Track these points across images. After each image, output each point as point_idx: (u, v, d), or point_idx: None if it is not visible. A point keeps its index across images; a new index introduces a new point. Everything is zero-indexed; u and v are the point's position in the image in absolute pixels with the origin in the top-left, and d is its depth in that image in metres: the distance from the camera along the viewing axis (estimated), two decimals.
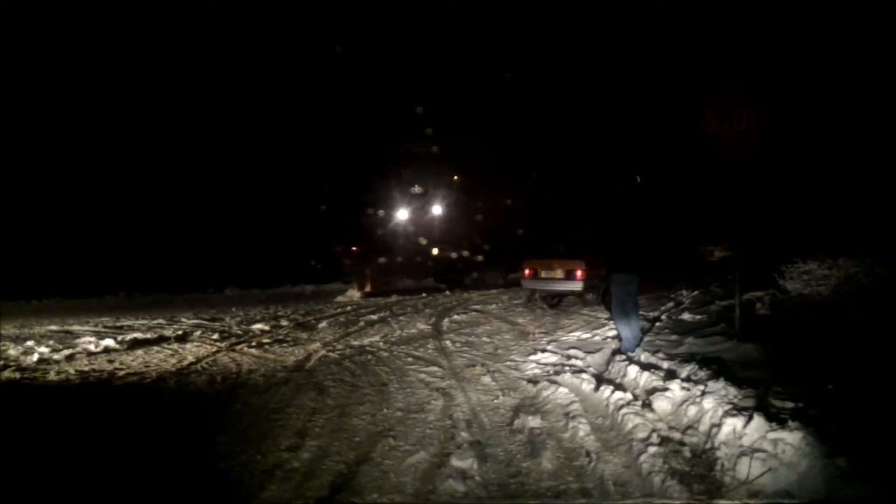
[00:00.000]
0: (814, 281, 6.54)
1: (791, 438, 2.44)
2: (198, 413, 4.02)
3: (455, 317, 8.43)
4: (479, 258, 15.10)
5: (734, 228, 5.36)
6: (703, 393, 3.26)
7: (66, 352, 6.23)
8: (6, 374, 5.29)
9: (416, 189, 15.98)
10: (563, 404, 3.70)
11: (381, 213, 15.83)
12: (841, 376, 3.40)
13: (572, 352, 5.30)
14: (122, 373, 5.27)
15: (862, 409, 2.85)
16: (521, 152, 18.52)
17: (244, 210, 19.70)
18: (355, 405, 3.95)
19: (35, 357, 5.92)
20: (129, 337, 7.12)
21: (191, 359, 5.80)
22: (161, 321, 9.15)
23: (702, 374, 3.71)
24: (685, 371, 3.90)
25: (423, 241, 15.11)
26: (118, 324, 9.03)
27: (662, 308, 7.87)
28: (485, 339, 6.50)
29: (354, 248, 13.99)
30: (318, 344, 6.52)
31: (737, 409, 2.88)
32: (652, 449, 2.78)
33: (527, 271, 8.85)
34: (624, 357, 4.66)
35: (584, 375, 4.30)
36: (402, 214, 15.98)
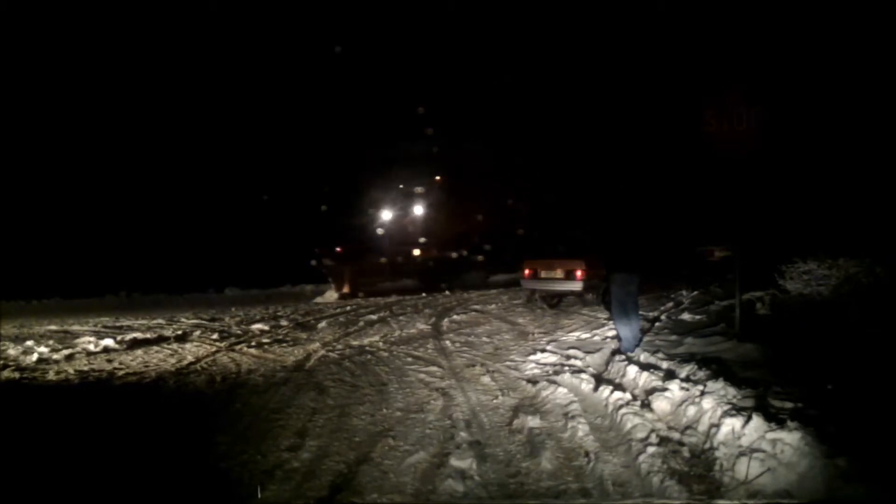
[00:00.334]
0: (814, 281, 6.53)
1: (790, 438, 2.44)
2: (197, 413, 4.02)
3: (455, 317, 8.43)
4: (458, 258, 14.84)
5: (734, 228, 5.36)
6: (703, 393, 3.26)
7: (66, 352, 6.23)
8: (6, 373, 5.29)
9: (400, 190, 15.74)
10: (562, 404, 3.70)
11: (363, 213, 15.64)
12: (841, 376, 3.40)
13: (572, 352, 5.30)
14: (121, 373, 5.27)
15: (862, 409, 2.85)
16: (518, 152, 18.46)
17: (243, 210, 19.71)
18: (355, 405, 3.95)
19: (34, 357, 5.92)
20: (128, 337, 7.12)
21: (190, 359, 5.80)
22: (161, 321, 9.16)
23: (701, 374, 3.71)
24: (684, 371, 3.90)
25: (405, 243, 14.87)
26: (118, 324, 9.04)
27: (662, 308, 7.87)
28: (484, 339, 6.49)
29: (338, 249, 13.78)
30: (317, 344, 6.52)
31: (736, 410, 2.88)
32: (651, 449, 2.78)
33: (527, 271, 8.84)
34: (623, 357, 4.65)
35: (583, 375, 4.30)
36: (384, 215, 15.73)
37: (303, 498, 2.55)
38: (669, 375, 3.88)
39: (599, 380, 4.17)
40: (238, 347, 6.41)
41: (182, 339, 7.11)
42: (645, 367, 4.20)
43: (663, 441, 2.89)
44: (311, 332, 7.47)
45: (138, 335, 7.27)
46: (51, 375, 5.20)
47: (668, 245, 9.79)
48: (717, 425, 2.82)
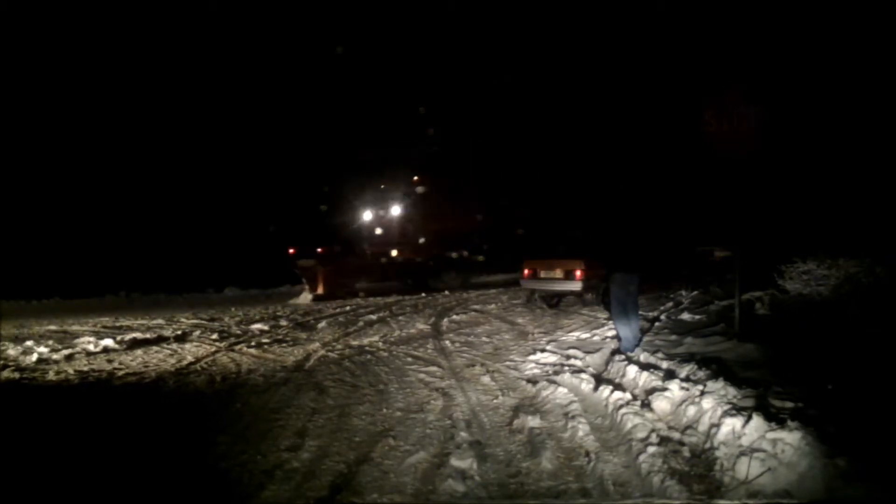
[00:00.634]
0: (813, 281, 6.53)
1: (790, 438, 2.44)
2: (197, 413, 4.02)
3: (454, 317, 8.43)
4: (434, 261, 14.67)
5: (734, 228, 5.36)
6: (703, 393, 3.27)
7: (66, 352, 6.22)
8: (5, 373, 5.29)
9: (383, 190, 15.50)
10: (562, 404, 3.70)
11: (346, 213, 15.43)
12: (840, 376, 3.40)
13: (571, 352, 5.30)
14: (121, 373, 5.27)
15: (862, 409, 2.85)
16: (518, 152, 18.43)
17: (243, 210, 19.72)
18: (355, 405, 3.95)
19: (34, 357, 5.91)
20: (128, 337, 7.11)
21: (190, 359, 5.79)
22: (160, 321, 9.15)
23: (701, 373, 3.71)
24: (684, 371, 3.90)
25: (384, 244, 14.66)
26: (117, 324, 9.03)
27: (662, 308, 7.87)
28: (484, 338, 6.49)
29: (319, 249, 13.56)
30: (317, 344, 6.51)
31: (736, 409, 2.88)
32: (651, 449, 2.78)
33: (526, 271, 8.84)
34: (623, 357, 4.66)
35: (583, 375, 4.30)
36: (362, 216, 15.50)
37: (303, 498, 2.55)
38: (669, 375, 3.88)
39: (599, 380, 4.18)
40: (238, 347, 6.40)
41: (182, 339, 7.10)
42: (645, 366, 4.21)
43: (663, 441, 2.89)
44: (311, 332, 7.46)
45: (138, 335, 7.27)
46: (50, 375, 5.19)
47: (668, 245, 9.78)
48: (718, 425, 2.82)
